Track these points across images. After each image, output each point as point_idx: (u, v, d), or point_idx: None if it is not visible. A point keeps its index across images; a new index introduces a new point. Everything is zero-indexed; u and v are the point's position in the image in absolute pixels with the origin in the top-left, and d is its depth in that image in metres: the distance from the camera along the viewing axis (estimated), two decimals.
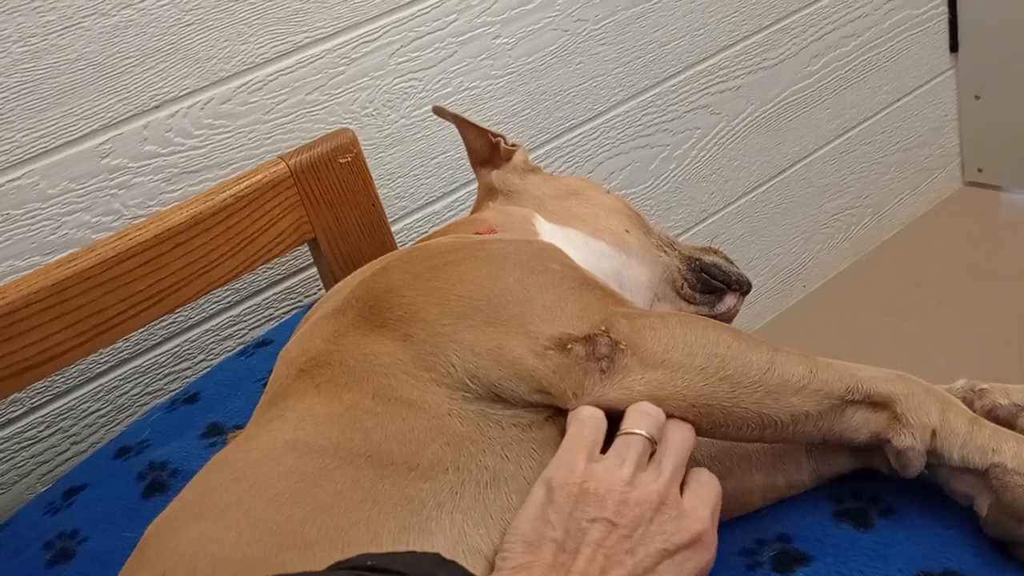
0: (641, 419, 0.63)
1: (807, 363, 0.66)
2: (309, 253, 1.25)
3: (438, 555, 0.56)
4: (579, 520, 0.58)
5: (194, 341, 1.25)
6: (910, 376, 0.68)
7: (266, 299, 1.30)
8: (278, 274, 1.30)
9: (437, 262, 0.72)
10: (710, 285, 0.95)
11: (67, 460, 1.18)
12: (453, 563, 0.56)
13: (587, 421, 0.63)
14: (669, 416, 0.64)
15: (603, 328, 0.65)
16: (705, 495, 0.63)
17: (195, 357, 1.26)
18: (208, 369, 1.19)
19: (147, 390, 1.23)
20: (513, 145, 1.04)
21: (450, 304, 0.68)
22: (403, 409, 0.64)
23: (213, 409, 1.05)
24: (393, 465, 0.61)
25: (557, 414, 0.66)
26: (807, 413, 0.65)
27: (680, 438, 0.64)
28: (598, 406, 0.64)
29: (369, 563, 0.53)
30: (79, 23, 1.09)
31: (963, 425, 0.65)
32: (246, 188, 1.11)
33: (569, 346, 0.64)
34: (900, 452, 0.66)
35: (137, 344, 1.21)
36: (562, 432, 0.64)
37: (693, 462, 0.74)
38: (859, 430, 0.66)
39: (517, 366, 0.64)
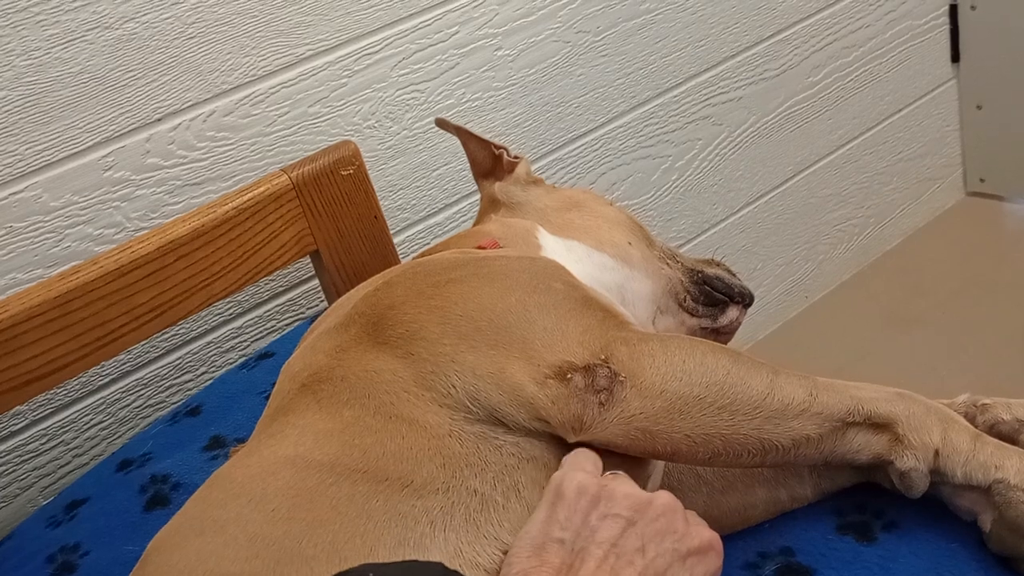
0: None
1: (807, 385, 0.66)
2: (311, 265, 1.26)
3: (440, 565, 0.56)
4: (591, 518, 0.58)
5: (196, 353, 1.25)
6: (911, 394, 0.68)
7: (268, 311, 1.30)
8: (280, 286, 1.30)
9: (440, 279, 0.72)
10: (712, 298, 0.95)
11: (69, 473, 1.18)
12: (456, 573, 0.55)
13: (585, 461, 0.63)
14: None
15: (603, 357, 0.65)
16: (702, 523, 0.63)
17: (197, 369, 1.26)
18: (210, 381, 1.18)
19: (149, 403, 1.23)
20: (516, 157, 1.04)
21: (452, 323, 0.68)
22: (403, 427, 0.64)
23: (215, 422, 1.05)
24: (388, 481, 0.61)
25: (554, 451, 0.65)
26: (808, 437, 0.65)
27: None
28: (595, 442, 0.64)
29: (371, 574, 0.53)
30: (82, 36, 1.09)
31: (965, 443, 0.65)
32: (248, 200, 1.11)
33: (569, 376, 0.64)
34: (903, 474, 0.66)
35: (139, 356, 1.21)
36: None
37: (697, 477, 0.74)
38: (860, 452, 0.66)
39: (518, 392, 0.64)
